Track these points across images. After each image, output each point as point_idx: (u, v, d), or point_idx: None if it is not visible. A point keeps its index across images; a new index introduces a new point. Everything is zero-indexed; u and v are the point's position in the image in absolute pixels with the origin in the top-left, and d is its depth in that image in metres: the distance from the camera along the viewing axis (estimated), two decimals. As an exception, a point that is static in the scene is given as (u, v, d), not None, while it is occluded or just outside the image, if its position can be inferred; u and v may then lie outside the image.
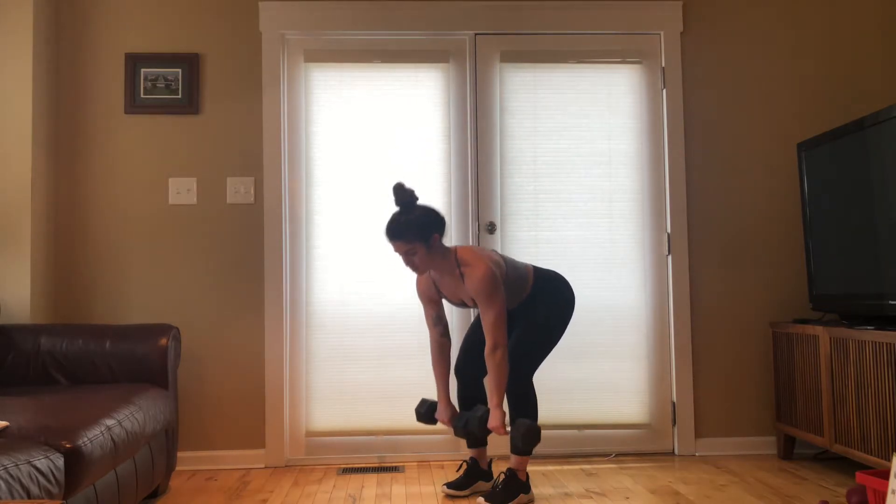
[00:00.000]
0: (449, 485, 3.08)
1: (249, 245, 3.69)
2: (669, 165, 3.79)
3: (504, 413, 2.90)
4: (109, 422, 2.41)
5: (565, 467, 3.51)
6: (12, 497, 1.81)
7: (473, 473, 3.10)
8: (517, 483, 2.94)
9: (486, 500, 2.90)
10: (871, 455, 2.93)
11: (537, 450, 3.69)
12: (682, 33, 3.84)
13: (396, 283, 3.73)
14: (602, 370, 3.76)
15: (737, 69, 3.85)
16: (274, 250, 3.67)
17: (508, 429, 2.90)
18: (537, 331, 3.00)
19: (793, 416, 3.52)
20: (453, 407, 3.10)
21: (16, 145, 3.42)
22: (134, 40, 3.71)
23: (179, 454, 3.61)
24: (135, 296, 3.65)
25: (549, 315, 3.02)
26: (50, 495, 1.99)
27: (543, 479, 3.30)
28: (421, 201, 3.26)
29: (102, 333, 3.13)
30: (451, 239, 3.74)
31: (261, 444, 3.64)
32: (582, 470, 3.46)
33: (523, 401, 2.96)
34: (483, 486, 3.12)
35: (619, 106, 3.84)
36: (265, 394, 3.63)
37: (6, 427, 2.17)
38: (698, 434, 3.74)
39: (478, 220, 3.75)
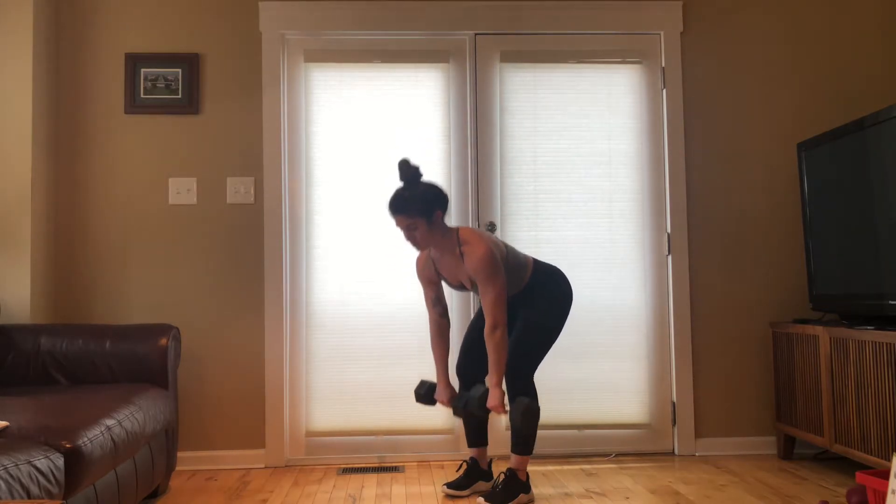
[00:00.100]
0: (449, 485, 3.08)
1: (249, 245, 3.69)
2: (669, 165, 3.79)
3: (503, 392, 2.89)
4: (109, 422, 2.41)
5: (565, 467, 3.51)
6: (12, 497, 1.81)
7: (473, 473, 3.10)
8: (517, 483, 2.94)
9: (486, 500, 2.90)
10: (871, 455, 2.93)
11: (537, 450, 3.69)
12: (682, 33, 3.84)
13: (396, 283, 3.73)
14: (602, 370, 3.76)
15: (737, 69, 3.85)
16: (274, 250, 3.67)
17: (507, 408, 2.89)
18: (537, 331, 3.00)
19: (793, 416, 3.52)
20: (452, 388, 3.10)
21: (16, 145, 3.42)
22: (134, 40, 3.71)
23: (179, 454, 3.62)
24: (135, 296, 3.65)
25: (547, 310, 3.01)
26: (50, 495, 1.99)
27: (543, 479, 3.30)
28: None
29: (102, 333, 3.13)
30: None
31: (261, 444, 3.64)
32: (582, 470, 3.46)
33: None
34: (483, 486, 3.12)
35: (619, 106, 3.84)
36: (265, 394, 3.63)
37: (6, 427, 2.17)
38: (698, 434, 3.74)
39: (478, 220, 3.75)
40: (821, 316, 3.72)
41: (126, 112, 3.68)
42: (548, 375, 3.73)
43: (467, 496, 3.06)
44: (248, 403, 3.64)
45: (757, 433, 3.75)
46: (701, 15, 3.86)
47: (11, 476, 1.85)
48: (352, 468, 3.56)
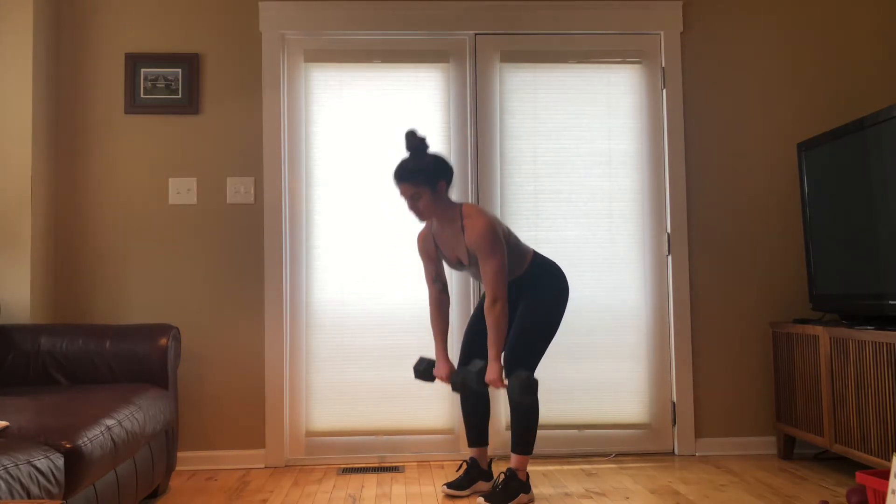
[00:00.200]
0: (449, 485, 3.08)
1: (249, 245, 3.69)
2: (669, 165, 3.79)
3: (501, 366, 2.90)
4: (109, 422, 2.41)
5: (565, 467, 3.51)
6: (12, 497, 1.81)
7: (473, 473, 3.10)
8: (517, 483, 2.94)
9: (486, 500, 2.90)
10: (871, 455, 2.93)
11: (537, 450, 3.69)
12: (682, 33, 3.84)
13: (396, 283, 3.73)
14: (602, 370, 3.76)
15: (737, 69, 3.85)
16: (274, 250, 3.67)
17: (506, 382, 2.89)
18: (537, 326, 3.00)
19: (793, 416, 3.52)
20: (451, 364, 3.11)
21: (16, 145, 3.42)
22: (134, 40, 3.71)
23: (179, 454, 3.61)
24: (135, 296, 3.65)
25: (547, 303, 3.01)
26: (50, 495, 1.99)
27: (543, 479, 3.30)
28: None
29: (102, 333, 3.13)
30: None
31: (261, 444, 3.64)
32: (582, 470, 3.46)
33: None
34: (483, 485, 3.12)
35: (619, 106, 3.83)
36: (265, 394, 3.63)
37: (6, 427, 2.17)
38: (698, 434, 3.74)
39: (478, 220, 3.75)
40: (821, 316, 3.72)
41: (126, 112, 3.68)
42: (548, 375, 3.73)
43: (467, 496, 3.06)
44: (248, 403, 3.64)
45: (757, 433, 3.75)
46: (701, 15, 3.86)
47: (11, 476, 1.85)
48: (352, 468, 3.56)
